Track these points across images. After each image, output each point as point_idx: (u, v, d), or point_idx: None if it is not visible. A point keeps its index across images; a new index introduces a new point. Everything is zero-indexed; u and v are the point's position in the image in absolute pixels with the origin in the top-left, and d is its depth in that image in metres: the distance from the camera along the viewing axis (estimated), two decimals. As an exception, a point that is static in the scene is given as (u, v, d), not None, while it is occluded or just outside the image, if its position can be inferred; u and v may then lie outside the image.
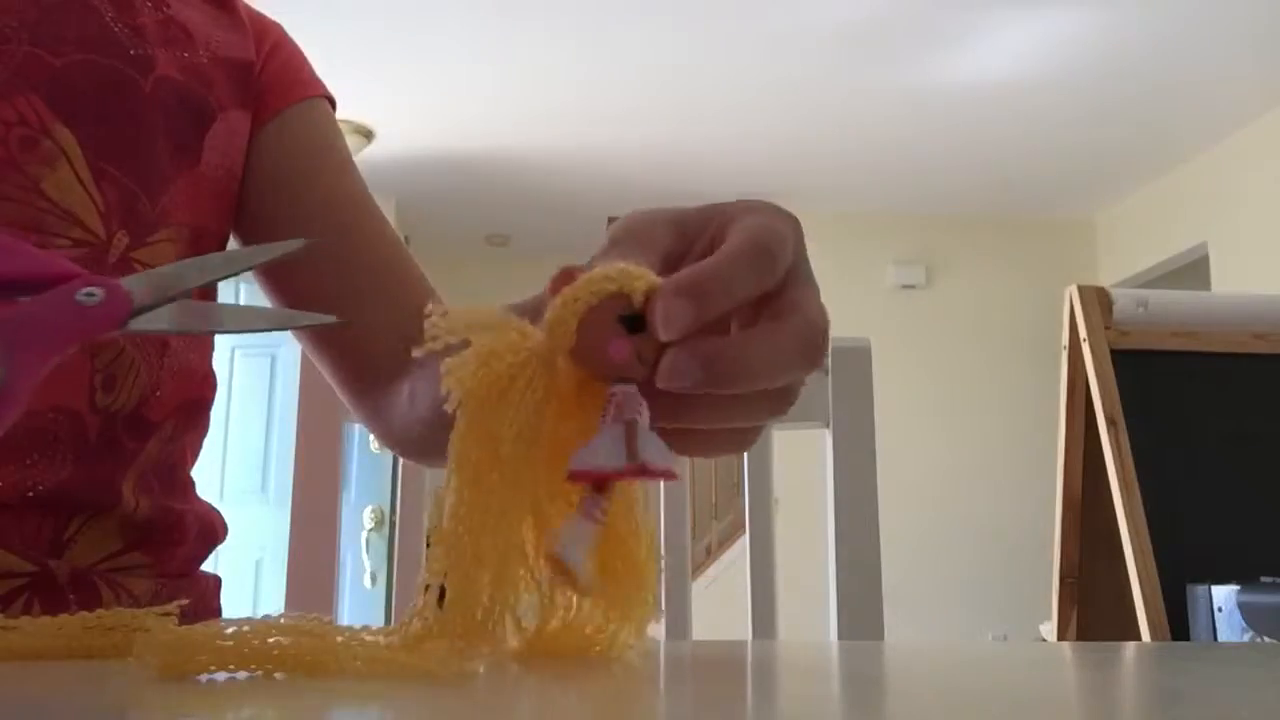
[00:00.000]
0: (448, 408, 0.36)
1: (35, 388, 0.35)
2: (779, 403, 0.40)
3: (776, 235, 0.39)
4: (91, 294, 0.35)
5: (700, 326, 0.35)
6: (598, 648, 0.40)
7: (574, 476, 0.36)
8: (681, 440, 0.39)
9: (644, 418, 0.36)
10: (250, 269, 0.45)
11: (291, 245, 0.43)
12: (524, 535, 0.38)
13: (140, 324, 0.38)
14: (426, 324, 0.36)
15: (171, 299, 0.38)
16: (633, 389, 0.36)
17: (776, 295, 0.39)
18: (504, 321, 0.37)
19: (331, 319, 0.45)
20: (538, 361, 0.36)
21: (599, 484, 0.36)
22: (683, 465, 0.44)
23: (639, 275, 0.36)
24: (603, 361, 0.36)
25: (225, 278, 0.44)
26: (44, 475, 0.61)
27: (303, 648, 0.34)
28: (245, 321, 0.42)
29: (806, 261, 0.42)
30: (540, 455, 0.37)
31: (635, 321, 0.36)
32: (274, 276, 0.74)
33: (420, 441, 0.71)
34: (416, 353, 0.36)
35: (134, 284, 0.38)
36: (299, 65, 0.79)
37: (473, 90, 4.40)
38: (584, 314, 0.36)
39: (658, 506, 0.91)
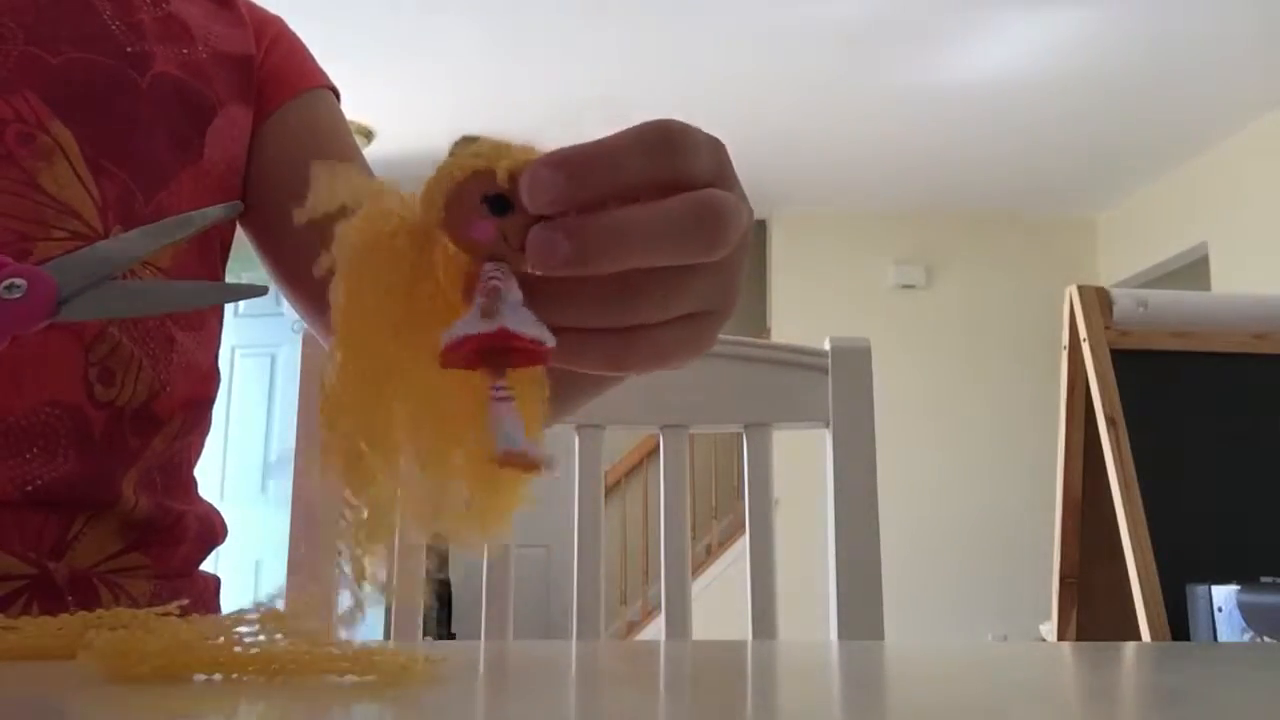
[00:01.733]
0: (318, 270, 0.34)
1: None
2: (681, 294, 0.35)
3: (685, 131, 0.35)
4: (13, 286, 0.34)
5: (576, 204, 0.33)
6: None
7: (444, 354, 0.34)
8: (594, 346, 0.36)
9: (511, 291, 0.34)
10: (177, 240, 0.43)
11: (226, 210, 0.42)
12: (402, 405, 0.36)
13: (72, 311, 0.36)
14: (312, 186, 0.35)
15: (102, 281, 0.37)
16: (503, 265, 0.34)
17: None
18: (385, 189, 0.36)
19: (263, 288, 0.43)
20: (408, 231, 0.36)
21: (474, 364, 0.35)
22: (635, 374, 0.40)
23: (508, 153, 0.34)
24: (470, 239, 0.35)
25: (154, 251, 0.42)
26: (44, 470, 0.61)
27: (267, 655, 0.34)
28: (181, 299, 0.41)
29: (734, 180, 0.38)
30: (421, 336, 0.35)
31: (501, 203, 0.34)
32: (288, 273, 0.75)
33: None
34: (299, 215, 0.34)
35: (60, 269, 0.36)
36: (301, 57, 0.79)
37: (473, 90, 4.40)
38: (450, 191, 0.35)
39: (658, 507, 0.91)
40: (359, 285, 0.35)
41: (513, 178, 0.34)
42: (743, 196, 0.37)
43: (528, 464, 0.34)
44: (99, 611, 0.41)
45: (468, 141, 0.35)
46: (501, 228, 0.34)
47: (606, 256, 0.33)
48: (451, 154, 0.35)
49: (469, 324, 0.34)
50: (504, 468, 0.34)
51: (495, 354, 0.34)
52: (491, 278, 0.34)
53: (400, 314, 0.35)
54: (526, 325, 0.34)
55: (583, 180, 0.33)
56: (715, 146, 0.37)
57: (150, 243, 0.40)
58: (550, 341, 0.34)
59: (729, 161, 0.37)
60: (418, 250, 0.36)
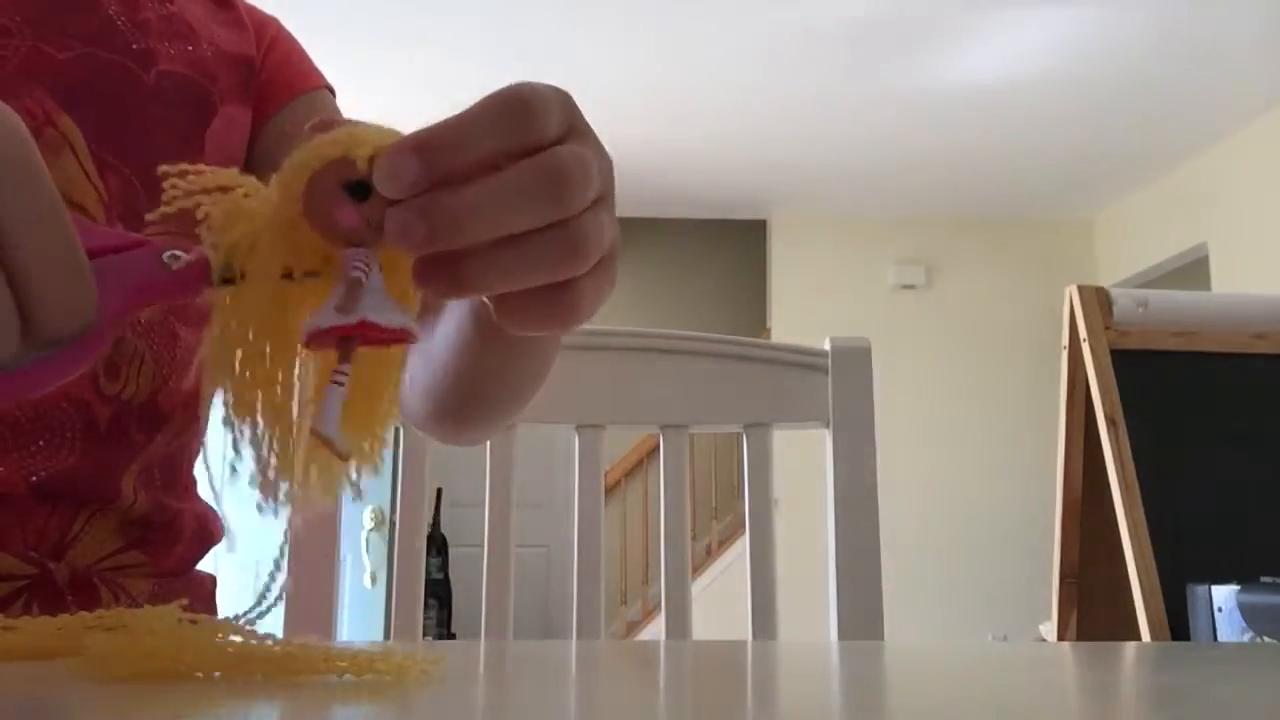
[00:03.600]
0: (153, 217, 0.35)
1: (118, 332, 0.36)
2: (558, 255, 0.36)
3: (533, 94, 0.36)
4: (176, 256, 0.36)
5: (434, 185, 0.34)
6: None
7: (307, 340, 0.35)
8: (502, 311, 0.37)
9: (372, 277, 0.34)
10: None
11: None
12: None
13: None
14: (165, 185, 0.35)
15: None
16: (363, 250, 0.35)
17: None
18: (237, 182, 0.36)
19: None
20: (274, 230, 0.36)
21: (337, 347, 0.35)
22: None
23: (366, 140, 0.35)
24: (331, 228, 0.35)
25: None
26: (49, 461, 0.61)
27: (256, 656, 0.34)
28: None
29: (585, 130, 0.38)
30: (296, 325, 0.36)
31: (360, 189, 0.34)
32: None
33: (426, 418, 0.70)
34: (151, 216, 0.35)
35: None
36: (299, 59, 0.80)
37: (473, 91, 4.39)
38: (309, 180, 0.35)
39: (658, 507, 0.91)
40: (241, 287, 0.36)
41: (372, 163, 0.34)
42: (595, 142, 0.38)
43: (335, 451, 0.34)
44: (99, 612, 0.41)
45: (318, 132, 0.35)
46: (364, 213, 0.34)
47: (460, 232, 0.34)
48: (304, 143, 0.35)
49: (330, 315, 0.34)
50: (314, 437, 0.35)
51: (354, 339, 0.35)
52: (354, 267, 0.34)
53: (283, 300, 0.36)
54: (387, 314, 0.34)
55: (436, 161, 0.34)
56: (563, 101, 0.37)
57: None
58: (413, 328, 0.35)
59: (578, 112, 0.38)
60: (287, 243, 0.36)
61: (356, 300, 0.34)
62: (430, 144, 0.34)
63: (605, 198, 0.39)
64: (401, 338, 0.35)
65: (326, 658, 0.34)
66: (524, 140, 0.35)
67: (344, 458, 0.35)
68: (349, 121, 0.36)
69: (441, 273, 0.35)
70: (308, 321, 0.34)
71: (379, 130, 0.35)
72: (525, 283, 0.36)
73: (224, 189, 0.36)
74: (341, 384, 0.34)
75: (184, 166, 0.35)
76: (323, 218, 0.35)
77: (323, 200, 0.34)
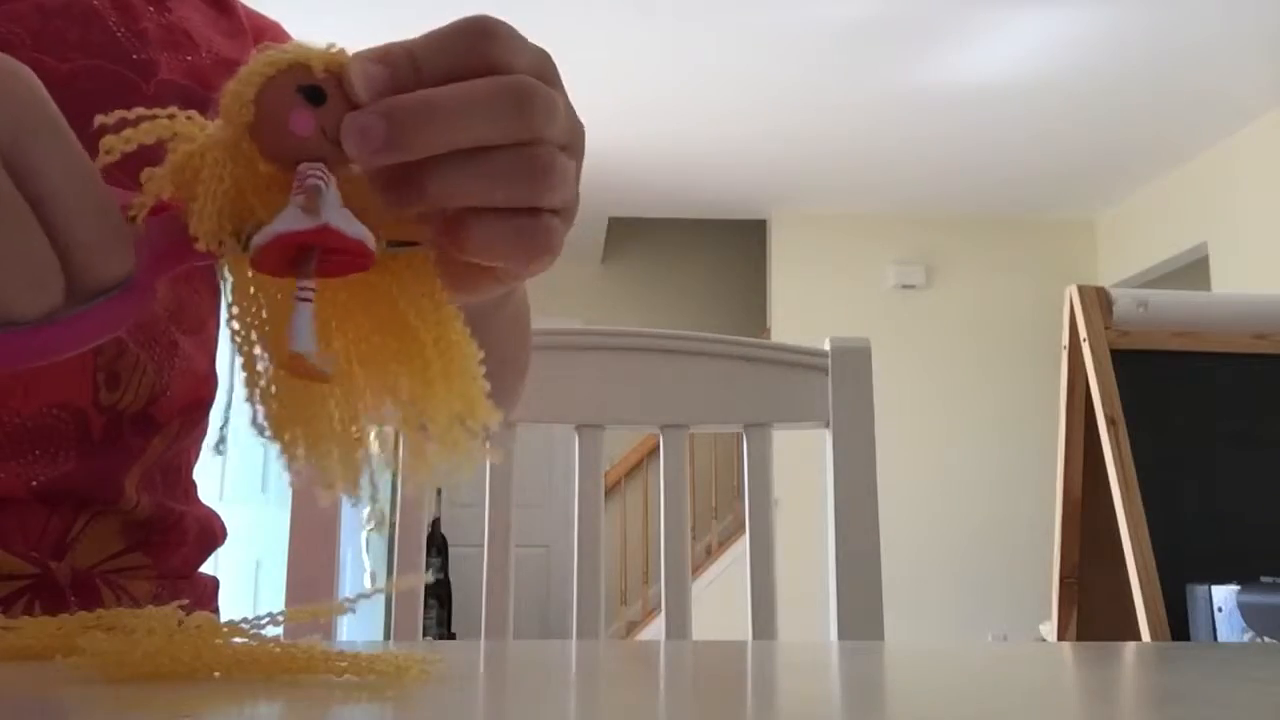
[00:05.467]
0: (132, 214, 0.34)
1: (157, 290, 0.36)
2: (524, 172, 0.35)
3: (507, 28, 0.36)
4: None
5: (399, 93, 0.33)
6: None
7: (258, 255, 0.33)
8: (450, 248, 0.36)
9: (330, 189, 0.33)
10: None
11: None
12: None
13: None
14: (100, 141, 0.35)
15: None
16: (318, 164, 0.33)
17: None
18: (180, 123, 0.35)
19: None
20: (219, 148, 0.34)
21: (288, 269, 0.34)
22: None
23: (317, 50, 0.34)
24: (284, 134, 0.33)
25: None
26: (46, 469, 0.61)
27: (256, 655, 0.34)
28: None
29: (559, 86, 0.38)
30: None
31: (317, 94, 0.33)
32: None
33: None
34: (106, 157, 0.34)
35: None
36: None
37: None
38: (261, 86, 0.33)
39: (658, 507, 0.91)
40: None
41: (328, 71, 0.33)
42: (567, 102, 0.37)
43: (311, 371, 0.33)
44: (99, 611, 0.41)
45: (266, 48, 0.35)
46: (320, 118, 0.33)
47: (420, 136, 0.33)
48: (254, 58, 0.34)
49: (287, 221, 0.33)
50: (289, 371, 0.33)
51: (308, 255, 0.33)
52: (310, 175, 0.33)
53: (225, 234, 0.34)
54: (349, 224, 0.33)
55: (400, 70, 0.33)
56: (540, 53, 0.37)
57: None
58: (372, 244, 0.33)
59: (555, 70, 0.38)
60: (235, 164, 0.34)
61: (316, 205, 0.32)
62: (393, 55, 0.34)
63: (573, 149, 0.38)
64: (360, 254, 0.33)
65: (326, 658, 0.34)
66: (489, 62, 0.35)
67: (324, 378, 0.34)
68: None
69: (401, 178, 0.34)
70: (257, 235, 0.33)
71: (329, 46, 0.35)
72: (488, 197, 0.35)
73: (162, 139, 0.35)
74: (309, 299, 0.33)
75: (121, 113, 0.35)
76: (275, 125, 0.33)
77: (277, 105, 0.33)
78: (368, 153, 0.33)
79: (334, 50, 0.34)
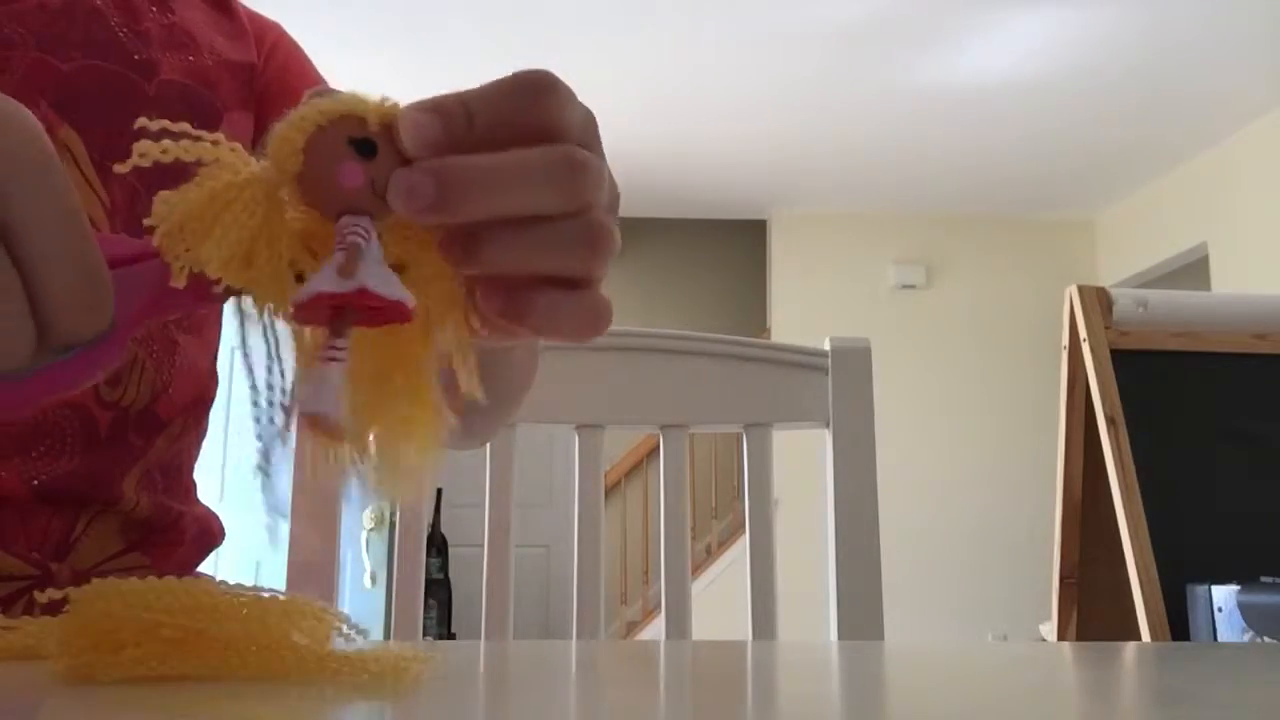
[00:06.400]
0: (153, 223, 0.34)
1: (133, 337, 0.35)
2: (580, 243, 0.35)
3: (551, 80, 0.35)
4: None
5: (451, 149, 0.33)
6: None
7: (297, 310, 0.33)
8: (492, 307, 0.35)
9: (372, 246, 0.33)
10: None
11: None
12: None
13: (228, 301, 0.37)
14: (135, 144, 0.34)
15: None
16: (362, 218, 0.33)
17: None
18: (224, 155, 0.34)
19: None
20: (257, 186, 0.34)
21: (329, 319, 0.33)
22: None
23: (371, 100, 0.33)
24: (331, 186, 0.33)
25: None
26: (48, 466, 0.61)
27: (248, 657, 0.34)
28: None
29: (600, 150, 0.37)
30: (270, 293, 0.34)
31: (367, 148, 0.33)
32: None
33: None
34: (120, 168, 0.34)
35: None
36: (300, 64, 0.80)
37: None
38: (312, 134, 0.33)
39: (658, 507, 0.91)
40: (198, 246, 0.33)
41: (380, 124, 0.33)
42: (607, 169, 0.37)
43: (325, 429, 0.33)
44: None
45: (318, 95, 0.34)
46: (369, 172, 0.33)
47: (469, 200, 0.33)
48: (304, 104, 0.34)
49: (326, 280, 0.32)
50: (304, 425, 0.33)
51: (348, 311, 0.33)
52: (352, 231, 0.32)
53: (239, 270, 0.34)
54: (387, 285, 0.32)
55: (454, 125, 0.33)
56: (587, 114, 0.37)
57: None
58: (411, 302, 0.33)
59: (598, 131, 0.37)
60: (270, 205, 0.34)
61: (356, 266, 0.32)
62: (449, 108, 0.33)
63: (614, 215, 0.38)
64: (399, 313, 0.33)
65: (326, 657, 0.34)
66: (543, 122, 0.34)
67: (339, 438, 0.33)
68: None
69: (458, 243, 0.33)
70: (300, 291, 0.33)
71: (382, 100, 0.34)
72: (544, 265, 0.35)
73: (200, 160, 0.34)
74: (339, 359, 0.33)
75: (164, 124, 0.34)
76: (323, 175, 0.33)
77: (326, 155, 0.33)
78: (414, 211, 0.32)
79: (388, 104, 0.34)
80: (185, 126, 0.34)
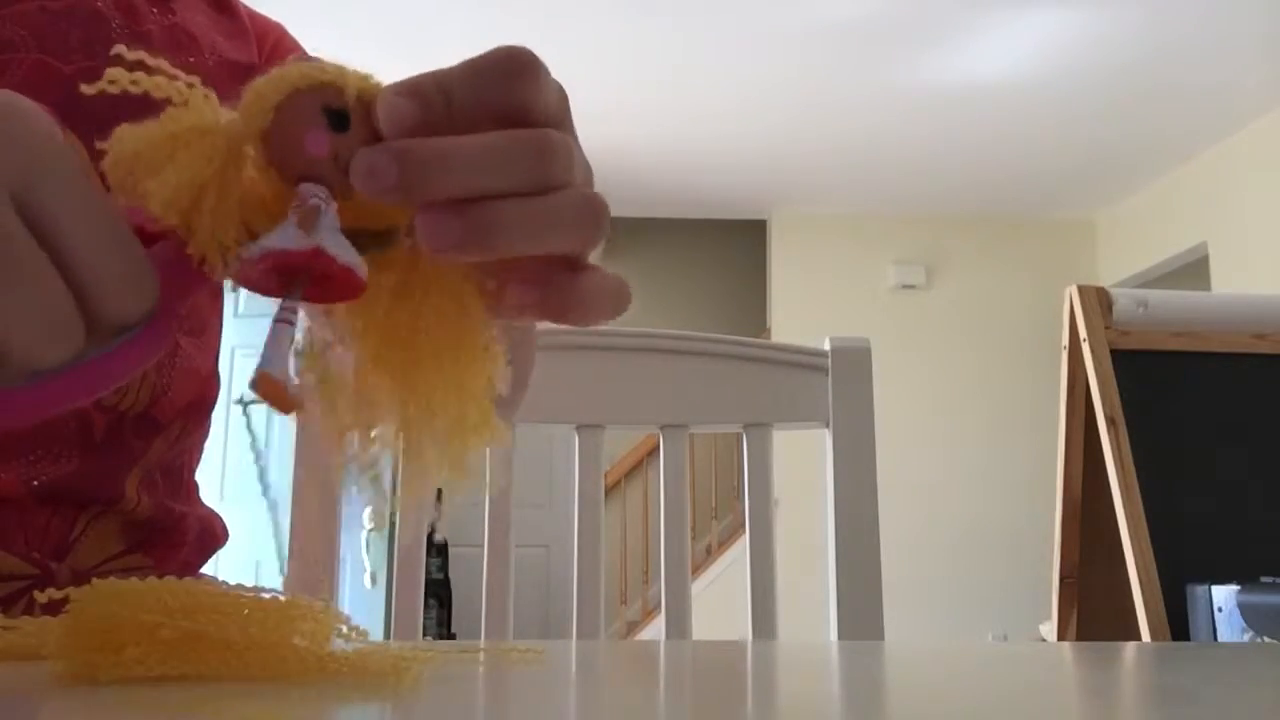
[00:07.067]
0: (104, 148, 0.33)
1: (176, 320, 0.35)
2: (579, 216, 0.34)
3: (528, 59, 0.35)
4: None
5: (425, 132, 0.32)
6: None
7: (245, 266, 0.32)
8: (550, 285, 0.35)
9: (328, 213, 0.32)
10: None
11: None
12: None
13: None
14: (112, 70, 0.33)
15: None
16: (320, 187, 0.32)
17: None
18: (193, 99, 0.34)
19: None
20: (220, 136, 0.33)
21: (280, 278, 0.32)
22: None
23: (356, 74, 0.33)
24: (296, 150, 0.32)
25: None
26: (47, 469, 0.61)
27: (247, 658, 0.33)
28: None
29: (573, 131, 0.37)
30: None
31: (339, 120, 0.32)
32: None
33: None
34: (87, 89, 0.34)
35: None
36: None
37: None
38: (288, 94, 0.32)
39: (658, 507, 0.91)
40: (144, 180, 0.33)
41: (359, 99, 0.32)
42: (578, 146, 0.37)
43: (280, 397, 0.32)
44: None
45: (302, 61, 0.33)
46: (335, 144, 0.32)
47: (431, 184, 0.32)
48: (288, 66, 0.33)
49: (281, 238, 0.31)
50: (257, 392, 0.32)
51: (297, 277, 0.32)
52: (312, 196, 0.32)
53: (181, 216, 0.33)
54: (343, 251, 0.32)
55: (430, 110, 0.33)
56: (561, 94, 0.37)
57: None
58: (363, 272, 0.32)
59: (569, 111, 0.37)
60: (233, 159, 0.33)
61: (313, 226, 0.31)
62: (426, 91, 0.33)
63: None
64: (350, 281, 0.32)
65: (325, 657, 0.34)
66: (516, 102, 0.34)
67: (293, 407, 0.32)
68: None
69: (452, 224, 0.32)
70: (244, 249, 0.32)
71: (364, 75, 0.33)
72: (552, 243, 0.34)
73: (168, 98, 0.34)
74: (292, 322, 0.32)
75: (140, 55, 0.34)
76: (290, 138, 0.32)
77: (297, 118, 0.32)
78: (375, 191, 0.32)
79: (370, 81, 0.33)
80: (163, 63, 0.34)
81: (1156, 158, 5.10)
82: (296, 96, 0.32)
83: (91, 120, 0.64)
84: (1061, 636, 1.77)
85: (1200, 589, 1.56)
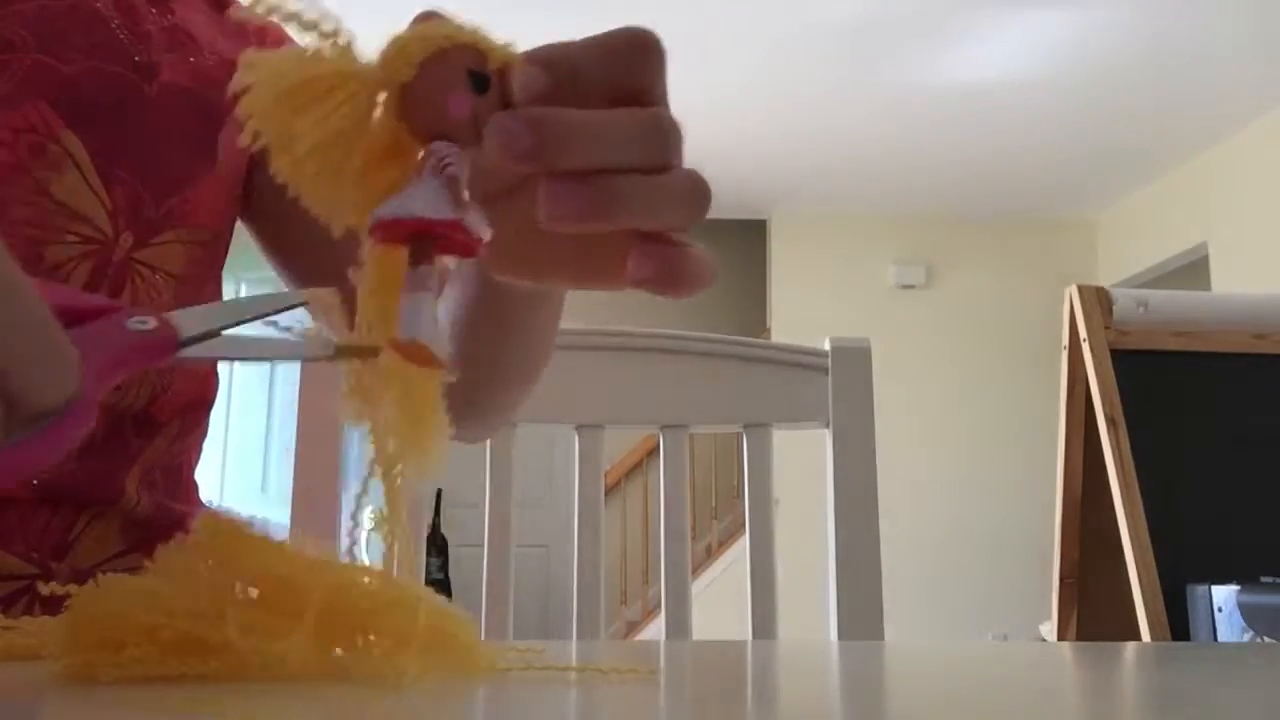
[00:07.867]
0: (235, 90, 0.33)
1: (99, 403, 0.34)
2: (689, 192, 0.36)
3: (654, 43, 0.37)
4: (142, 322, 0.34)
5: (555, 103, 0.33)
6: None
7: (383, 225, 0.32)
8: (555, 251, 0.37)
9: (464, 180, 0.32)
10: (280, 310, 0.43)
11: (323, 292, 0.43)
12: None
13: (189, 354, 0.36)
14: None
15: (214, 334, 0.37)
16: (454, 147, 0.33)
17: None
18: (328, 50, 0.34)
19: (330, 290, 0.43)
20: (358, 83, 0.33)
21: (418, 242, 0.33)
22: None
23: (496, 41, 0.34)
24: (438, 108, 0.33)
25: (260, 318, 0.42)
26: (47, 469, 0.61)
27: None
28: (281, 351, 0.41)
29: (668, 103, 0.39)
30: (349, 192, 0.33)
31: (480, 83, 0.33)
32: (300, 276, 0.76)
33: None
34: (235, 13, 0.34)
35: (180, 318, 0.37)
36: None
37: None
38: (434, 52, 0.33)
39: (658, 507, 0.91)
40: (289, 121, 0.33)
41: (498, 65, 0.33)
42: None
43: (426, 358, 0.32)
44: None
45: (428, 17, 0.34)
46: (475, 108, 0.32)
47: (562, 153, 0.33)
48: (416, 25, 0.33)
49: (424, 204, 0.32)
50: (406, 357, 0.32)
51: (426, 239, 0.32)
52: (448, 159, 0.32)
53: (323, 162, 0.33)
54: (477, 223, 0.32)
55: (561, 82, 0.34)
56: (665, 75, 0.38)
57: (261, 309, 0.41)
58: (487, 237, 0.33)
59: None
60: (367, 105, 0.33)
61: (457, 195, 0.32)
62: (555, 63, 0.34)
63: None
64: (472, 249, 0.33)
65: (325, 657, 0.34)
66: (639, 84, 0.36)
67: (443, 366, 0.33)
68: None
69: (577, 194, 0.33)
70: (384, 207, 0.32)
71: (505, 44, 0.34)
72: (665, 218, 0.36)
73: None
74: (431, 288, 0.32)
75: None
76: (433, 95, 0.32)
77: (442, 77, 0.32)
78: (507, 156, 0.32)
79: (508, 48, 0.34)
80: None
81: (1156, 158, 5.10)
82: (442, 55, 0.33)
83: (91, 120, 0.64)
84: (1061, 636, 1.77)
85: (1200, 589, 1.57)
